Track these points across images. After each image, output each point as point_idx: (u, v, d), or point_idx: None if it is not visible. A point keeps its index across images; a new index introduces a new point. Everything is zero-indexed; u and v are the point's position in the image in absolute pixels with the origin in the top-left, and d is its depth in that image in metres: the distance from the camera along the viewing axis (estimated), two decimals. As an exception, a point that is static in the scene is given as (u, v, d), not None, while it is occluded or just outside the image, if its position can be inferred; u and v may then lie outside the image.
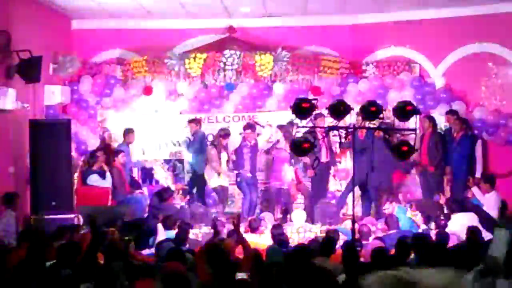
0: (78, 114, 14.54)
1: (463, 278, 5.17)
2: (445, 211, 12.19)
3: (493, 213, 11.79)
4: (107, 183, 13.34)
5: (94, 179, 13.30)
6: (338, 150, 14.38)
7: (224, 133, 14.19)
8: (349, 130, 10.31)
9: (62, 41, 14.91)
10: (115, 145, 14.44)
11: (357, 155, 12.32)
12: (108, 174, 13.40)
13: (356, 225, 10.66)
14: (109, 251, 7.64)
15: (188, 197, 14.05)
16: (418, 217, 12.63)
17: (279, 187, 13.90)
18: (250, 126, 14.14)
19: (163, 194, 13.42)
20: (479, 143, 13.60)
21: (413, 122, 10.51)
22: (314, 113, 10.35)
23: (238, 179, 14.04)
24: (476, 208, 11.73)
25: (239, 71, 14.01)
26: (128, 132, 14.32)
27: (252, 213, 13.77)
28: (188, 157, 14.81)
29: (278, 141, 14.02)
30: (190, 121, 14.51)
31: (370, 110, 9.92)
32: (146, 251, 10.34)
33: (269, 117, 14.81)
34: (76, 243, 9.04)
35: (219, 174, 14.04)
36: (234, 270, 6.59)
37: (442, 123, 14.02)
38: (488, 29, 14.07)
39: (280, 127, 14.08)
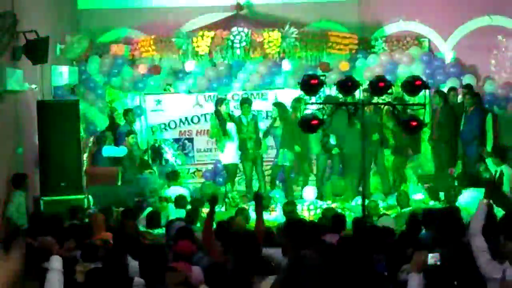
0: (86, 95, 14.49)
1: None
2: (456, 185, 12.15)
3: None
4: (123, 151, 13.55)
5: (109, 149, 13.52)
6: None
7: (220, 101, 13.98)
8: (358, 106, 10.24)
9: (69, 21, 14.84)
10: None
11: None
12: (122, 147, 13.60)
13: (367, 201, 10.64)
14: (119, 231, 7.63)
15: None
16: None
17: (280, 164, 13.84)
18: (247, 101, 14.02)
19: (170, 176, 13.44)
20: (489, 117, 13.51)
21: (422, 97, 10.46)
22: None
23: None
24: (488, 183, 11.65)
25: (247, 49, 13.95)
26: (127, 112, 14.33)
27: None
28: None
29: (274, 119, 13.89)
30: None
31: (379, 85, 9.83)
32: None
33: (278, 95, 14.72)
34: (87, 223, 9.06)
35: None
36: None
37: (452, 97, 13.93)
38: (497, 2, 13.95)
39: (277, 105, 13.97)
